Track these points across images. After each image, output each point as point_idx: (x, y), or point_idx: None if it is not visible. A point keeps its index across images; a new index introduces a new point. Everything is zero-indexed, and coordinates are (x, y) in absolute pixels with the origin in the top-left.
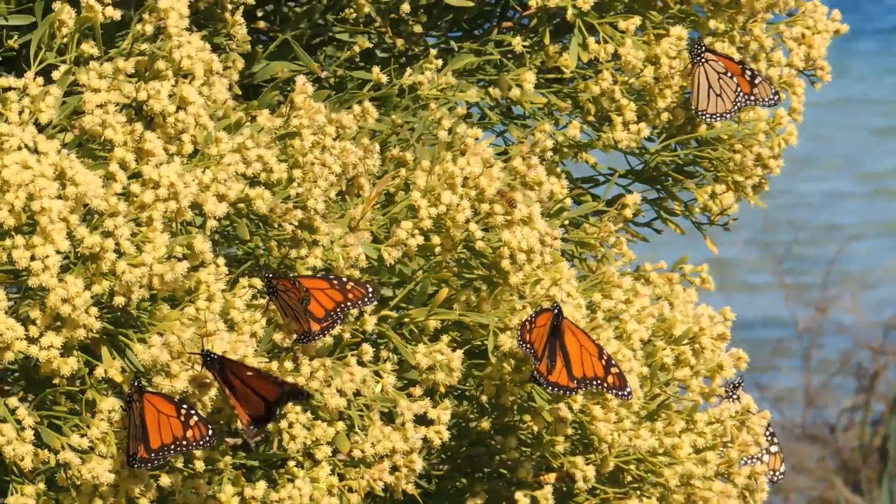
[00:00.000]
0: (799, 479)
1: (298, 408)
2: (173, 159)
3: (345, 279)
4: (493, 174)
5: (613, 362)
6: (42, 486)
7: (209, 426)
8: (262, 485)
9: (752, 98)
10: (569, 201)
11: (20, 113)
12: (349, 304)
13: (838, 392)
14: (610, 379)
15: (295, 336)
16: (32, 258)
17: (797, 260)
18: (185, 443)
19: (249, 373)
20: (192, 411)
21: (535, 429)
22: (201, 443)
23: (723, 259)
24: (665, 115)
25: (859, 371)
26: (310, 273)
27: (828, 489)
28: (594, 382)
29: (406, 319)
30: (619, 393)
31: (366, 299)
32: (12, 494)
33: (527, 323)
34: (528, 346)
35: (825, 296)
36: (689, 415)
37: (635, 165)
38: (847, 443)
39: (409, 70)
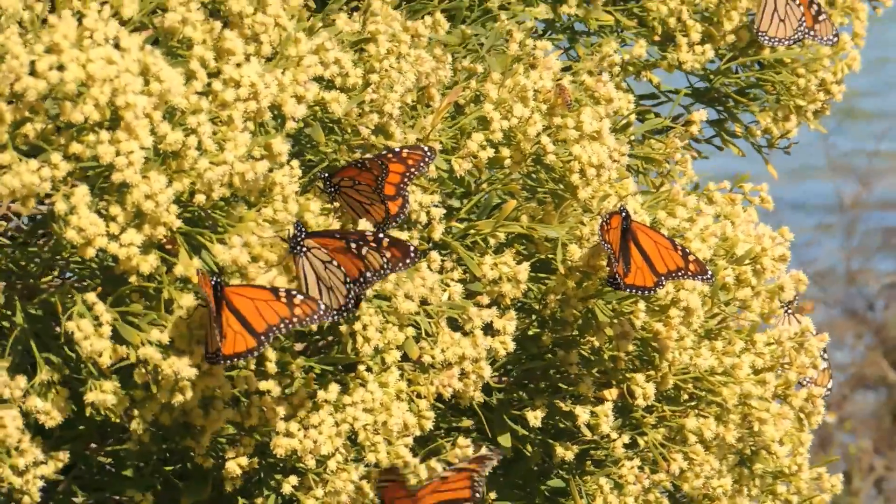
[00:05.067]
0: (838, 356)
1: (372, 310)
2: (250, 60)
3: (397, 148)
4: (565, 84)
5: (688, 250)
6: (117, 383)
7: (318, 302)
8: (334, 387)
9: (813, 33)
10: (633, 117)
11: (100, 9)
12: (413, 171)
13: (880, 269)
14: (691, 267)
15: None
16: (117, 154)
17: (843, 134)
18: (295, 319)
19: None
20: (294, 291)
21: (597, 344)
22: (315, 317)
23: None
24: (730, 37)
25: None
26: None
27: (868, 365)
28: (678, 273)
29: (472, 231)
30: (702, 278)
31: (426, 159)
32: (91, 391)
33: (603, 223)
34: (608, 245)
35: (870, 170)
36: (748, 335)
37: (695, 83)
38: (887, 320)
39: None
